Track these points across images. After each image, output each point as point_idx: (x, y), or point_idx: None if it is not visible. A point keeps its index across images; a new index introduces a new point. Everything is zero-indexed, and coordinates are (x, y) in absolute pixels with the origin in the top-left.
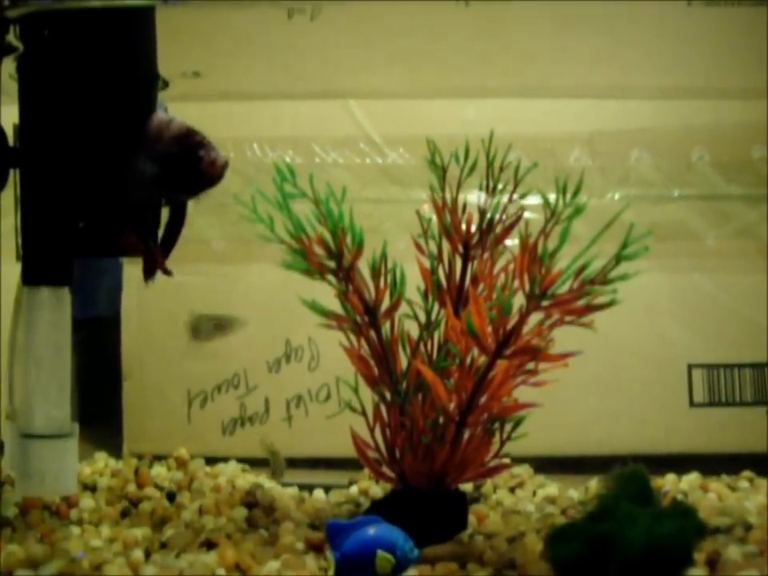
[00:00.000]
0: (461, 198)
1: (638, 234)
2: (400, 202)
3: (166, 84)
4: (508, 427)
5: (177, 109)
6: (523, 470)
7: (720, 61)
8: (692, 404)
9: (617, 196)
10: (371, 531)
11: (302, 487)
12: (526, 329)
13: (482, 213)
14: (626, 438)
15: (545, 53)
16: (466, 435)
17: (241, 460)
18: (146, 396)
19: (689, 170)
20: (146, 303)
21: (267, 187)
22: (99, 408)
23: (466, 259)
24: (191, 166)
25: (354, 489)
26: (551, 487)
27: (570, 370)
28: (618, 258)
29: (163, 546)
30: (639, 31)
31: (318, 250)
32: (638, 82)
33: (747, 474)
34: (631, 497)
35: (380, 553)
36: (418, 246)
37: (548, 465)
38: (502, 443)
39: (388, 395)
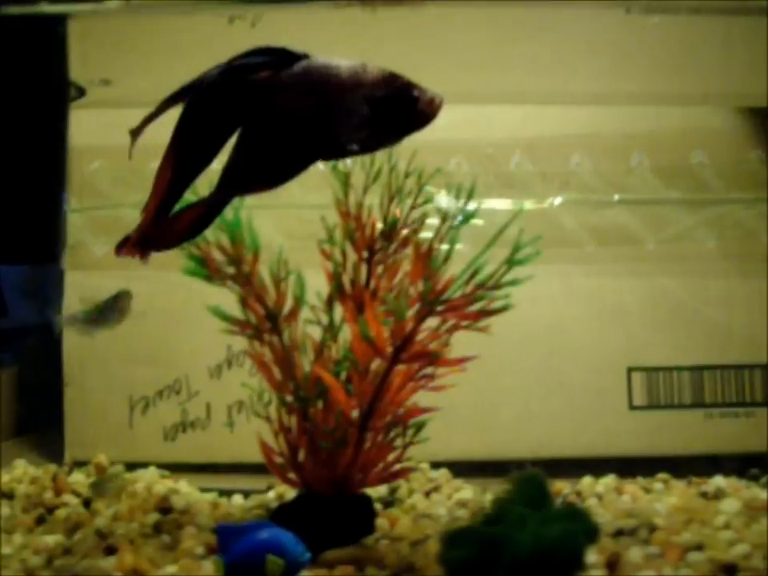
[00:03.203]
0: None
1: (528, 239)
2: None
3: (82, 91)
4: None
5: (114, 113)
6: (440, 474)
7: (659, 67)
8: (631, 407)
9: (557, 201)
10: (261, 535)
11: (222, 492)
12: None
13: (385, 218)
14: (566, 441)
15: (485, 59)
16: (368, 440)
17: (183, 466)
18: (87, 402)
19: (628, 175)
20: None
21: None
22: (40, 415)
23: (370, 264)
24: (407, 106)
25: (271, 494)
26: (467, 491)
27: (510, 373)
28: (510, 263)
29: (66, 551)
30: (579, 38)
31: (218, 256)
32: (578, 88)
33: (662, 475)
34: (527, 500)
35: (270, 557)
36: (323, 252)
37: (487, 468)
38: (405, 447)
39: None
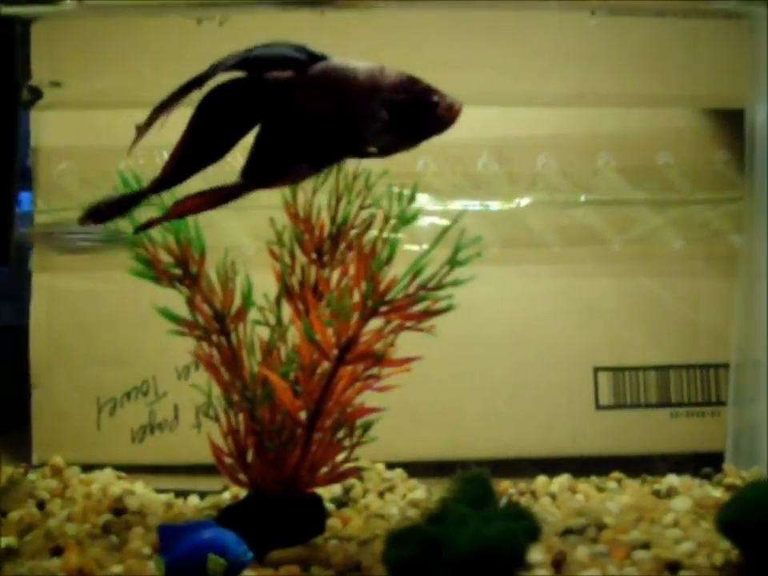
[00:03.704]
0: None
1: (469, 239)
2: None
3: (37, 93)
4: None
5: (81, 114)
6: (396, 474)
7: (625, 69)
8: (598, 407)
9: (524, 202)
10: (203, 535)
11: (178, 493)
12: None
13: (333, 220)
14: (533, 441)
15: (452, 61)
16: (315, 440)
17: (151, 467)
18: (55, 404)
19: (595, 176)
20: (55, 311)
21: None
22: (8, 417)
23: (318, 266)
24: (426, 111)
25: (226, 495)
26: (420, 491)
27: (477, 374)
28: (452, 264)
29: (9, 552)
30: (545, 39)
31: (165, 258)
32: (545, 89)
33: (616, 474)
34: (470, 499)
35: (211, 556)
36: (272, 253)
37: (455, 468)
38: (352, 447)
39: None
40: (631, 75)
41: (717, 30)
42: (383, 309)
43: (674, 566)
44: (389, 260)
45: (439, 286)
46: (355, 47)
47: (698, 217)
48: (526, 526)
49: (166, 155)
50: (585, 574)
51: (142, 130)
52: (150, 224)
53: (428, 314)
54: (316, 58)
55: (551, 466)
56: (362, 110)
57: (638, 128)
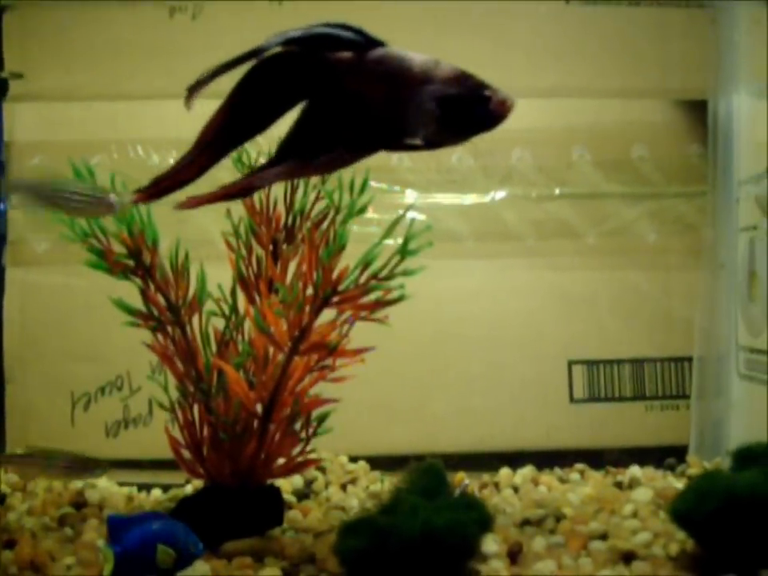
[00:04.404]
0: None
1: (418, 229)
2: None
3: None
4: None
5: (54, 108)
6: (359, 467)
7: (599, 60)
8: (572, 400)
9: (499, 195)
10: (152, 526)
11: (141, 486)
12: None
13: (288, 211)
14: (508, 435)
15: (425, 54)
16: (271, 431)
17: (125, 462)
18: (29, 399)
19: (569, 169)
20: (28, 306)
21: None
22: None
23: (275, 257)
24: (477, 105)
25: (189, 487)
26: (384, 483)
27: (452, 367)
28: (402, 254)
29: None
30: (519, 31)
31: (119, 249)
32: (519, 81)
33: (579, 466)
34: (423, 490)
35: (161, 547)
36: (228, 244)
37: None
38: (308, 439)
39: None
40: (605, 67)
41: (690, 20)
42: (335, 299)
43: (628, 556)
44: (340, 250)
45: (390, 276)
46: None
47: (673, 210)
48: (476, 516)
49: (140, 150)
50: (539, 565)
51: (194, 90)
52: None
53: (380, 304)
54: (374, 43)
55: (526, 459)
56: (413, 100)
57: (613, 121)
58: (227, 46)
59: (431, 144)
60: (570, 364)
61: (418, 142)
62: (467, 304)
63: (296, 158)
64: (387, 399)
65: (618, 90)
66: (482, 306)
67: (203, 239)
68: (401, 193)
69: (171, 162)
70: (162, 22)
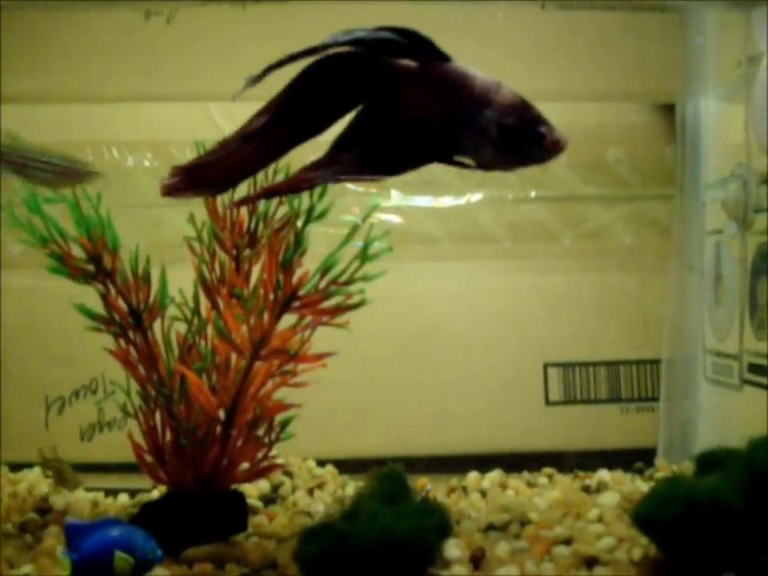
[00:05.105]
0: None
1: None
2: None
3: None
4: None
5: (33, 110)
6: (326, 471)
7: (575, 63)
8: (548, 402)
9: (475, 198)
10: (110, 532)
11: (108, 492)
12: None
13: (251, 216)
14: (484, 438)
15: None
16: (233, 437)
17: (99, 466)
18: (2, 403)
19: (545, 172)
20: (2, 309)
21: (125, 191)
22: None
23: (237, 262)
24: (532, 140)
25: (155, 492)
26: (351, 488)
27: (428, 370)
28: (362, 258)
29: None
30: (494, 34)
31: (78, 254)
32: None
33: (547, 470)
34: (384, 495)
35: (118, 553)
36: (191, 248)
37: (408, 466)
38: (271, 444)
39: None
40: (581, 69)
41: (666, 24)
42: (295, 304)
43: (591, 561)
44: (300, 254)
45: (350, 281)
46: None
47: (649, 212)
48: (436, 522)
49: (115, 151)
50: (502, 571)
51: (250, 83)
52: (248, 199)
53: (341, 309)
54: (440, 55)
55: (501, 462)
56: (469, 121)
57: (589, 123)
58: (204, 49)
59: (481, 166)
60: (546, 366)
61: (469, 161)
62: (443, 306)
63: (348, 161)
64: (362, 402)
65: (593, 93)
66: (458, 309)
67: (179, 242)
68: (377, 195)
69: (146, 164)
70: (137, 24)
